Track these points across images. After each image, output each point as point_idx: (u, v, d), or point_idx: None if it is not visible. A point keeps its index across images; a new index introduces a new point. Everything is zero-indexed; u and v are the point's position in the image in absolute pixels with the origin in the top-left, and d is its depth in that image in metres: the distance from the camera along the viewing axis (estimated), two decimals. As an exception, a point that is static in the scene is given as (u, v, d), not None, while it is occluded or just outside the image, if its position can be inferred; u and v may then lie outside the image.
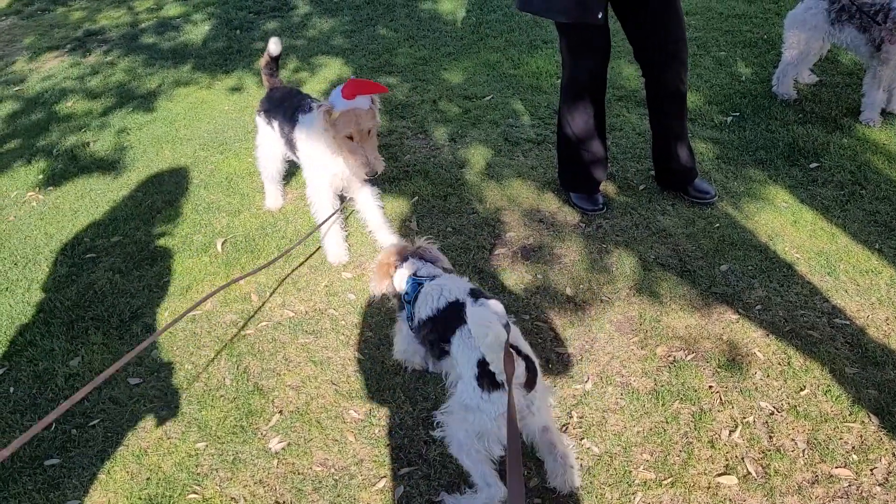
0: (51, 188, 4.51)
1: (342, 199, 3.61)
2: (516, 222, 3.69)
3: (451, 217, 3.77)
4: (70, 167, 4.72)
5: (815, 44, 4.25)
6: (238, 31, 6.73)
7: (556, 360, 2.88)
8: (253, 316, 3.28)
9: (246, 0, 7.48)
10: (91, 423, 2.83)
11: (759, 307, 3.02)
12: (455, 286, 2.38)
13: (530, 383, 2.04)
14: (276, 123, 3.60)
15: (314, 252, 3.61)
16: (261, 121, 3.79)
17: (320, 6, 7.13)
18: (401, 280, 2.57)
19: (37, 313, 3.43)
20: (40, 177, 4.65)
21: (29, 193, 4.47)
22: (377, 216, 3.57)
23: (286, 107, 3.52)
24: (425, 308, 2.38)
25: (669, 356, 2.85)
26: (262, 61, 3.84)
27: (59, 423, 2.84)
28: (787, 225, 3.46)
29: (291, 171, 4.13)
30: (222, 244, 3.77)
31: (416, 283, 2.49)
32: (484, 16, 6.37)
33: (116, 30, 7.19)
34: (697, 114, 4.41)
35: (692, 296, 3.12)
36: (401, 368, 2.90)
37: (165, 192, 4.29)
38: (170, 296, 3.45)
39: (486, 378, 2.03)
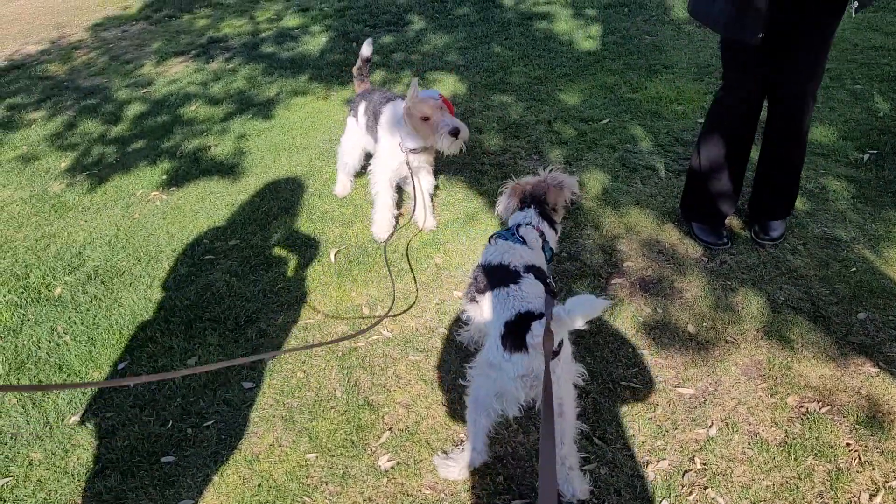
0: (173, 189, 4.67)
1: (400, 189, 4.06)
2: (634, 252, 3.57)
3: (566, 242, 3.68)
4: (192, 169, 4.88)
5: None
6: (354, 44, 6.85)
7: (676, 401, 2.75)
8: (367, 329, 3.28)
9: (363, 14, 7.63)
10: (206, 424, 2.87)
11: (901, 362, 2.81)
12: (520, 255, 2.46)
13: (555, 352, 2.11)
14: (362, 119, 3.91)
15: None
16: (351, 119, 4.09)
17: (435, 22, 7.19)
18: (512, 221, 2.71)
19: (157, 310, 3.53)
20: (164, 177, 4.83)
21: (153, 193, 4.64)
22: (426, 202, 3.90)
23: (373, 101, 3.83)
24: (485, 256, 2.55)
25: (801, 407, 2.67)
26: (355, 66, 4.12)
27: (176, 420, 2.90)
28: (932, 274, 3.22)
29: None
30: (335, 254, 3.81)
31: (504, 236, 2.59)
32: (602, 38, 6.27)
33: (238, 38, 7.45)
34: (831, 149, 4.19)
35: (826, 344, 2.93)
36: (520, 408, 2.82)
37: (282, 198, 4.38)
38: (284, 303, 3.49)
39: (509, 339, 2.15)
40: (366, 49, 4.05)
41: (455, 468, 2.54)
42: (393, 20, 7.38)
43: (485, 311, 2.43)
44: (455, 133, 3.39)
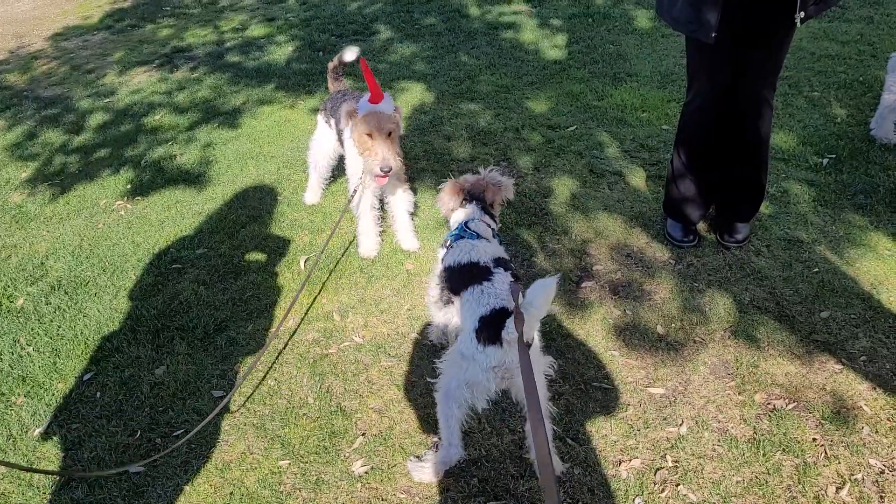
0: (138, 198, 4.60)
1: (381, 202, 3.83)
2: (604, 256, 3.61)
3: (536, 247, 3.71)
4: (157, 178, 4.82)
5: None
6: (321, 53, 6.84)
7: (647, 401, 2.78)
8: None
9: (329, 24, 7.62)
10: (175, 434, 2.83)
11: (863, 358, 2.87)
12: (485, 250, 2.54)
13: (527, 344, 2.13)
14: (332, 121, 3.84)
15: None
16: (321, 119, 4.04)
17: (402, 32, 7.21)
18: (455, 220, 2.79)
19: (124, 320, 3.47)
20: (128, 186, 4.76)
21: (118, 202, 4.57)
22: (405, 221, 3.78)
23: (337, 101, 3.77)
24: (450, 258, 2.58)
25: (769, 404, 2.72)
26: (331, 64, 4.05)
27: (144, 430, 2.85)
28: (890, 273, 3.30)
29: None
30: (305, 262, 3.78)
31: (460, 235, 2.65)
32: (568, 47, 6.35)
33: (203, 48, 7.39)
34: (791, 154, 4.29)
35: (791, 342, 2.99)
36: (488, 401, 2.83)
37: (250, 207, 4.34)
38: (253, 311, 3.46)
39: (484, 332, 2.21)
40: (348, 55, 3.97)
41: (429, 470, 2.54)
42: (360, 30, 7.39)
43: (460, 310, 2.45)
44: (385, 170, 3.26)
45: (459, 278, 2.48)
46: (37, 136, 5.66)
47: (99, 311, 3.56)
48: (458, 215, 2.80)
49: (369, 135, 3.26)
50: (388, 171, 3.27)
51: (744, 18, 2.94)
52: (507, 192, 2.88)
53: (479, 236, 2.63)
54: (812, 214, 3.75)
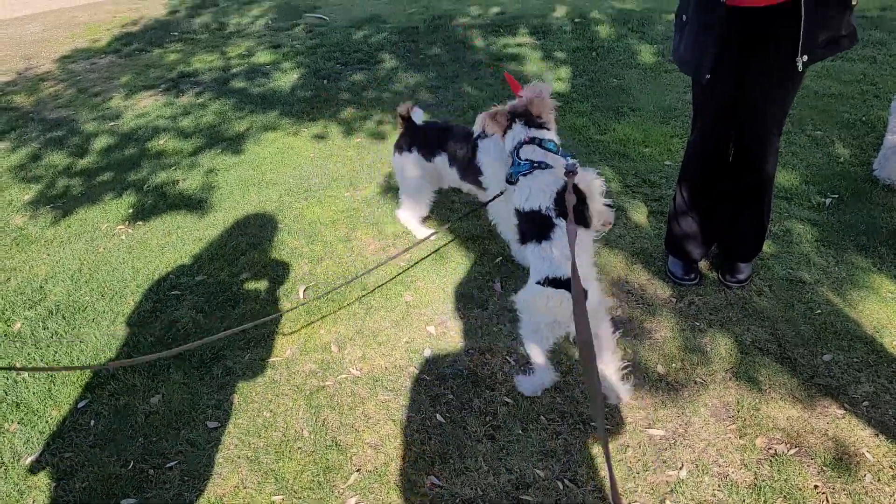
0: (139, 223, 4.60)
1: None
2: (604, 292, 3.59)
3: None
4: (159, 203, 4.82)
5: (923, 129, 4.11)
6: (325, 81, 6.88)
7: (647, 443, 2.75)
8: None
9: (334, 52, 7.67)
10: (168, 465, 2.79)
11: (866, 403, 2.84)
12: (543, 187, 2.65)
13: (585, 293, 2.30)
14: (441, 157, 3.75)
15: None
16: (411, 156, 3.85)
17: (406, 61, 7.26)
18: (510, 143, 2.86)
19: (121, 347, 3.45)
20: (130, 211, 4.76)
21: (119, 227, 4.57)
22: None
23: (453, 138, 3.70)
24: (517, 198, 2.73)
25: (770, 448, 2.69)
26: (404, 108, 3.86)
27: (137, 461, 2.82)
28: (893, 317, 3.28)
29: (375, 211, 4.13)
30: (304, 291, 3.77)
31: (521, 167, 2.74)
32: (571, 80, 6.39)
33: (209, 73, 7.44)
34: (794, 193, 4.28)
35: (793, 385, 2.96)
36: (484, 436, 2.80)
37: (250, 234, 4.34)
38: (251, 340, 3.44)
39: (545, 283, 2.48)
40: (416, 115, 3.86)
41: (528, 388, 2.93)
42: (364, 58, 7.44)
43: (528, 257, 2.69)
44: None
45: (526, 226, 2.66)
46: (41, 158, 5.68)
47: (96, 337, 3.54)
48: (508, 143, 2.85)
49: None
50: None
51: (747, 61, 2.95)
52: (545, 102, 2.89)
53: (532, 165, 2.70)
54: (815, 255, 3.74)
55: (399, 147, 3.89)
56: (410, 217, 4.08)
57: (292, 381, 3.20)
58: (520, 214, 2.72)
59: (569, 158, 2.70)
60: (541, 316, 2.56)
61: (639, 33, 7.50)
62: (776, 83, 2.99)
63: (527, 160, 2.75)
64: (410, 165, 3.86)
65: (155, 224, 4.57)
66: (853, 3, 2.71)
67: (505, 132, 2.90)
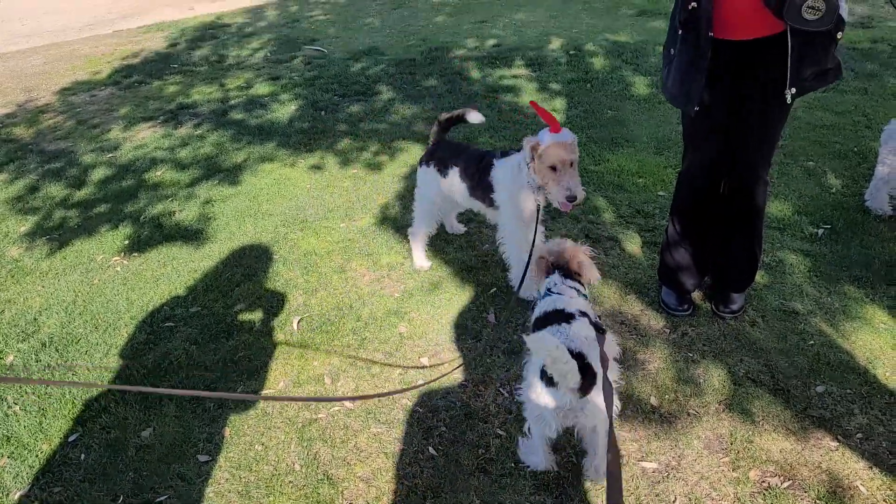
0: (135, 254, 4.61)
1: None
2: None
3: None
4: (155, 235, 4.84)
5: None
6: (322, 113, 6.94)
7: (640, 475, 2.73)
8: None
9: (332, 83, 7.75)
10: (158, 500, 2.77)
11: (860, 435, 2.83)
12: (570, 303, 2.70)
13: (585, 389, 2.33)
14: (453, 171, 3.80)
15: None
16: (429, 170, 3.93)
17: (403, 92, 7.33)
18: (543, 286, 2.93)
19: (113, 379, 3.44)
20: (126, 242, 4.77)
21: (114, 258, 4.58)
22: None
23: (470, 156, 3.76)
24: (537, 311, 2.78)
25: (763, 482, 2.67)
26: (445, 116, 3.92)
27: (127, 496, 2.80)
28: (886, 348, 3.28)
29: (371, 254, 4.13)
30: (298, 322, 3.77)
31: (547, 294, 2.83)
32: (566, 111, 6.44)
33: (207, 105, 7.50)
34: (787, 224, 4.30)
35: (786, 417, 2.95)
36: (476, 470, 2.79)
37: (245, 265, 4.35)
38: (244, 372, 3.43)
39: (545, 377, 2.42)
40: (474, 117, 3.90)
41: (522, 454, 2.84)
42: (362, 90, 7.51)
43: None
44: (572, 201, 3.28)
45: (543, 322, 2.65)
46: (39, 189, 5.71)
47: (89, 369, 3.53)
48: (545, 283, 2.93)
49: (553, 167, 3.26)
50: (574, 201, 3.29)
51: (735, 93, 2.99)
52: (591, 272, 2.95)
53: (561, 294, 2.78)
54: (808, 285, 3.75)
55: (421, 160, 4.02)
56: (417, 232, 4.16)
57: (284, 413, 3.18)
58: (537, 320, 2.74)
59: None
60: (540, 410, 2.54)
61: (633, 65, 7.58)
62: (766, 112, 3.02)
63: (558, 292, 2.81)
64: (428, 178, 3.96)
65: (150, 255, 4.58)
66: (838, 37, 2.75)
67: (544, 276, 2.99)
